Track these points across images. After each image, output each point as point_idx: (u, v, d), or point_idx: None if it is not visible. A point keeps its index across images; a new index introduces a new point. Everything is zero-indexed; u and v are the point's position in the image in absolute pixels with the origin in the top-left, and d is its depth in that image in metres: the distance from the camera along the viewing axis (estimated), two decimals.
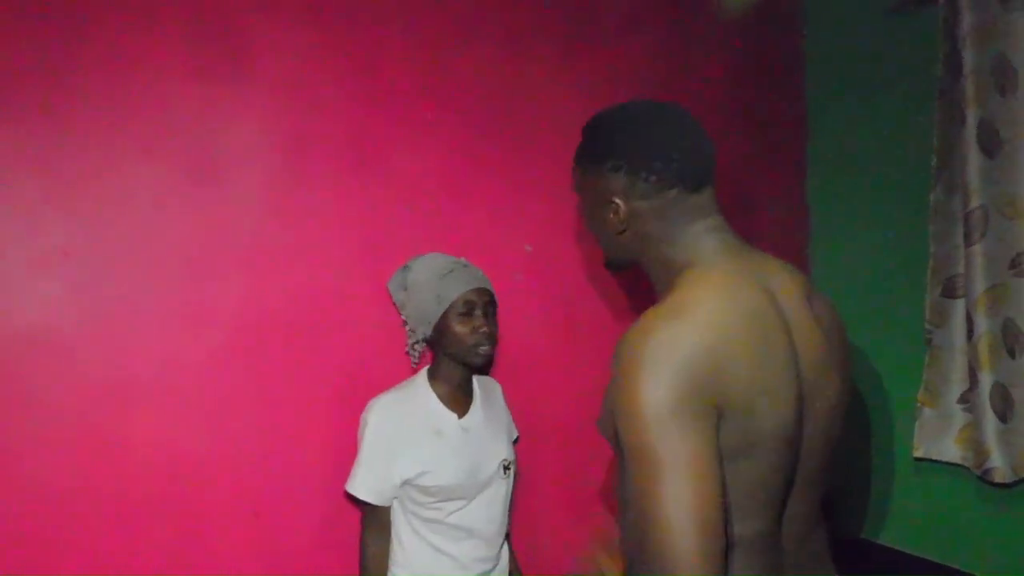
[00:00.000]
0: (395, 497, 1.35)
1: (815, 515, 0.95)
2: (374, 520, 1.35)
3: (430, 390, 1.41)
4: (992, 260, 1.67)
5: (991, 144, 1.66)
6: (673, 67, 1.91)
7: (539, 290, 1.68)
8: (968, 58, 1.67)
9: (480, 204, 1.61)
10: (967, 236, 1.69)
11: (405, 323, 1.43)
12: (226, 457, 1.31)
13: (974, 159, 1.66)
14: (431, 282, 1.36)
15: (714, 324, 0.81)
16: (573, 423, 1.72)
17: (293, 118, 1.38)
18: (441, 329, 1.36)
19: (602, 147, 1.01)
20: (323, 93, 1.42)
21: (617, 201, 0.98)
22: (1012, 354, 1.68)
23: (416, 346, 1.43)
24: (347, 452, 1.41)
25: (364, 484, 1.33)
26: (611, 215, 1.00)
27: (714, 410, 0.78)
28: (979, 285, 1.67)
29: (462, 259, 1.43)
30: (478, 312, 1.37)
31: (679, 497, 0.73)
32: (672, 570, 0.71)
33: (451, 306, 1.35)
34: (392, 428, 1.33)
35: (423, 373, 1.43)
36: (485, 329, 1.36)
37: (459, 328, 1.35)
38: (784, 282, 0.92)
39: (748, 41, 2.08)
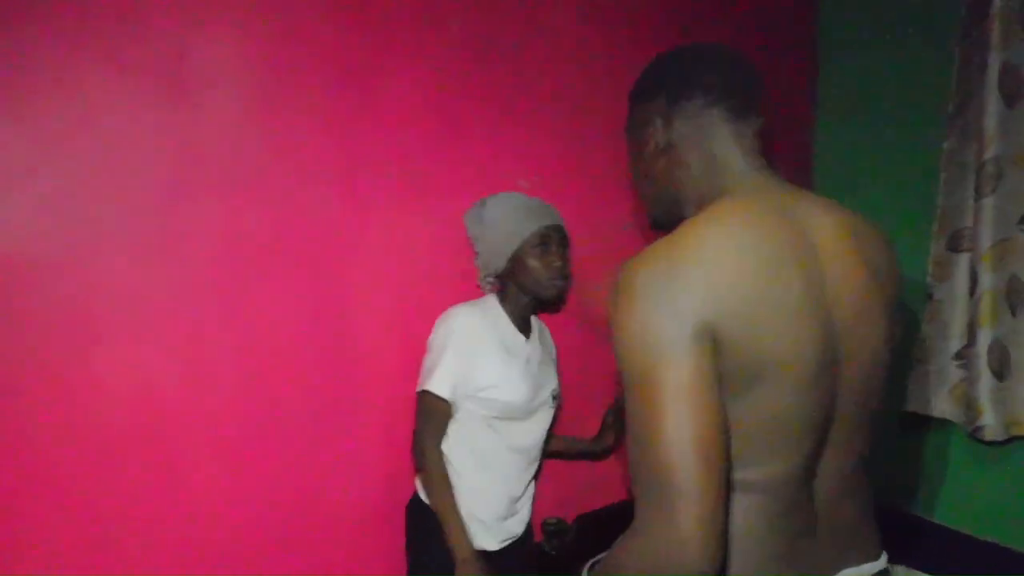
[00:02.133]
0: (460, 403, 1.40)
1: (854, 478, 0.91)
2: (437, 421, 1.39)
3: (502, 311, 1.46)
4: (1002, 214, 1.61)
5: (1013, 91, 1.58)
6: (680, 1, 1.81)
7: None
8: None
9: (475, 137, 1.53)
10: (978, 188, 1.63)
11: (478, 256, 1.46)
12: (202, 402, 1.26)
13: (993, 106, 1.58)
14: (507, 217, 1.39)
15: (716, 253, 0.78)
16: (573, 369, 1.69)
17: (276, 36, 1.28)
18: (516, 262, 1.40)
19: (648, 79, 1.02)
20: (309, 14, 1.31)
21: (657, 121, 0.98)
22: (1014, 311, 1.64)
23: (489, 279, 1.47)
24: (335, 395, 1.38)
25: (443, 381, 1.36)
26: (650, 141, 0.98)
27: (709, 340, 0.76)
28: (986, 239, 1.62)
29: (536, 198, 1.45)
30: (552, 247, 1.40)
31: (677, 423, 0.72)
32: (671, 497, 0.71)
33: (526, 240, 1.38)
34: (473, 335, 1.38)
35: (493, 296, 1.48)
36: (559, 263, 1.40)
37: (533, 262, 1.39)
38: (824, 221, 0.88)
39: None
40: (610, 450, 1.70)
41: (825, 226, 0.87)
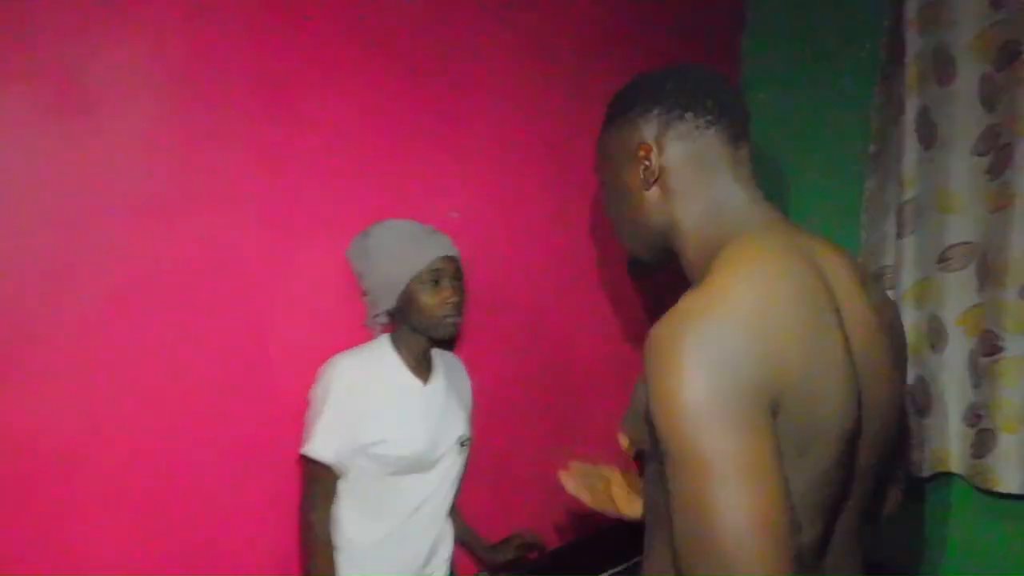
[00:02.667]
0: (347, 465, 1.26)
1: (858, 534, 0.85)
2: (323, 489, 1.25)
3: (395, 354, 1.33)
4: (922, 253, 1.64)
5: (929, 135, 1.62)
6: (610, 34, 1.78)
7: (463, 261, 1.53)
8: (911, 42, 1.61)
9: (402, 162, 1.43)
10: (899, 228, 1.66)
11: (365, 294, 1.32)
12: (99, 445, 1.10)
13: (911, 149, 1.62)
14: (395, 248, 1.27)
15: (764, 307, 0.70)
16: (504, 401, 1.60)
17: (191, 44, 1.15)
18: (406, 299, 1.28)
19: (632, 95, 0.90)
20: (232, 30, 1.19)
21: (648, 142, 0.86)
22: (933, 348, 1.66)
23: (378, 318, 1.33)
24: (252, 435, 1.26)
25: (324, 445, 1.22)
26: (639, 167, 0.87)
27: (768, 406, 0.67)
28: (908, 278, 1.64)
29: (428, 225, 1.32)
30: (446, 281, 1.29)
31: (738, 504, 0.62)
32: None
33: (417, 274, 1.26)
34: (357, 388, 1.25)
35: (385, 338, 1.34)
36: (454, 298, 1.29)
37: (427, 298, 1.27)
38: (835, 263, 0.81)
39: (684, 8, 1.96)
40: (498, 568, 1.54)
41: (838, 269, 0.81)
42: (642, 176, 0.87)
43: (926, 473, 1.68)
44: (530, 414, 1.68)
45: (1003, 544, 1.63)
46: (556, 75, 1.66)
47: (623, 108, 0.91)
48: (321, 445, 1.22)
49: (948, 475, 1.68)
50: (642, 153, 0.87)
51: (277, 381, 1.28)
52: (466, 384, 1.50)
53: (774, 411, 0.67)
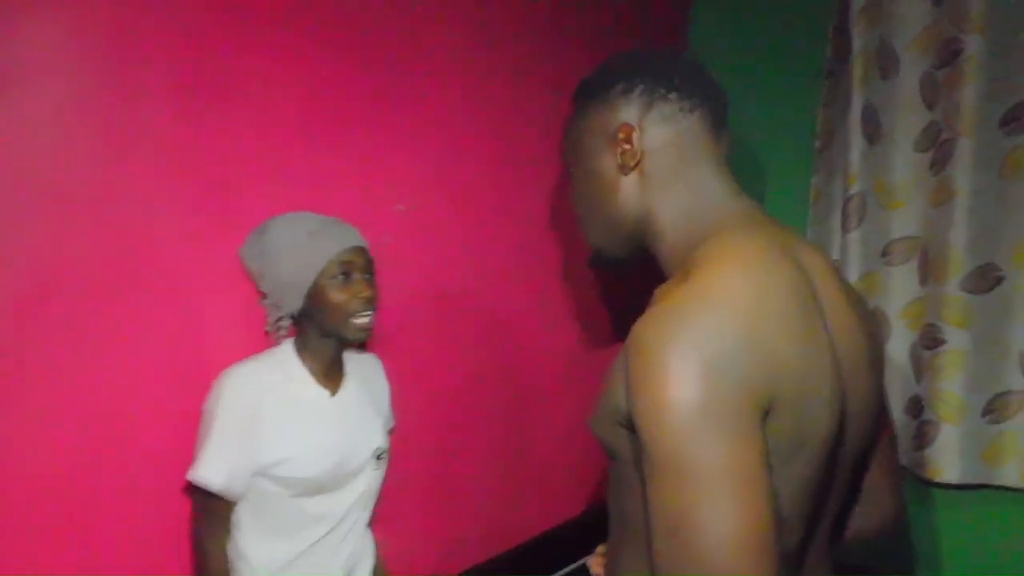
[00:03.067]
0: (244, 490, 1.13)
1: (830, 543, 0.83)
2: (217, 516, 1.12)
3: (298, 362, 1.19)
4: (867, 247, 1.66)
5: (874, 130, 1.64)
6: (560, 25, 1.74)
7: (411, 257, 1.46)
8: (856, 38, 1.62)
9: (343, 152, 1.35)
10: (844, 222, 1.67)
11: (264, 297, 1.18)
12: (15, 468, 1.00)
13: (856, 144, 1.63)
14: (297, 244, 1.13)
15: (758, 304, 0.66)
16: (447, 410, 1.54)
17: (113, 19, 1.05)
18: (314, 299, 1.14)
19: (611, 73, 0.83)
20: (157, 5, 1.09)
21: (630, 123, 0.80)
22: (883, 354, 1.68)
23: (281, 323, 1.18)
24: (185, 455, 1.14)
25: (215, 470, 1.08)
26: (617, 151, 0.80)
27: (761, 410, 0.63)
28: (853, 272, 1.66)
29: (331, 216, 1.20)
30: (357, 275, 1.16)
31: (724, 516, 0.59)
32: None
33: (324, 270, 1.13)
34: (251, 403, 1.11)
35: (289, 344, 1.21)
36: (367, 293, 1.16)
37: (336, 295, 1.14)
38: (815, 261, 0.78)
39: (634, 6, 1.94)
40: None
41: (820, 267, 0.77)
42: (620, 160, 0.81)
43: None
44: (479, 418, 1.63)
45: (944, 533, 1.66)
46: (503, 62, 1.61)
47: (601, 87, 0.84)
48: (209, 470, 1.08)
49: None
50: (622, 135, 0.81)
51: (199, 383, 1.19)
52: (384, 389, 1.38)
53: (765, 415, 0.64)
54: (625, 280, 1.93)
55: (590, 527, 1.66)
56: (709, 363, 0.62)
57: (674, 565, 0.61)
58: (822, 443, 0.69)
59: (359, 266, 1.16)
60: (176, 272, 1.14)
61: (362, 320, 1.15)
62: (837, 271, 0.82)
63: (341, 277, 1.14)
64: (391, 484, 1.40)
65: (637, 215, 0.83)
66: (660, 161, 0.80)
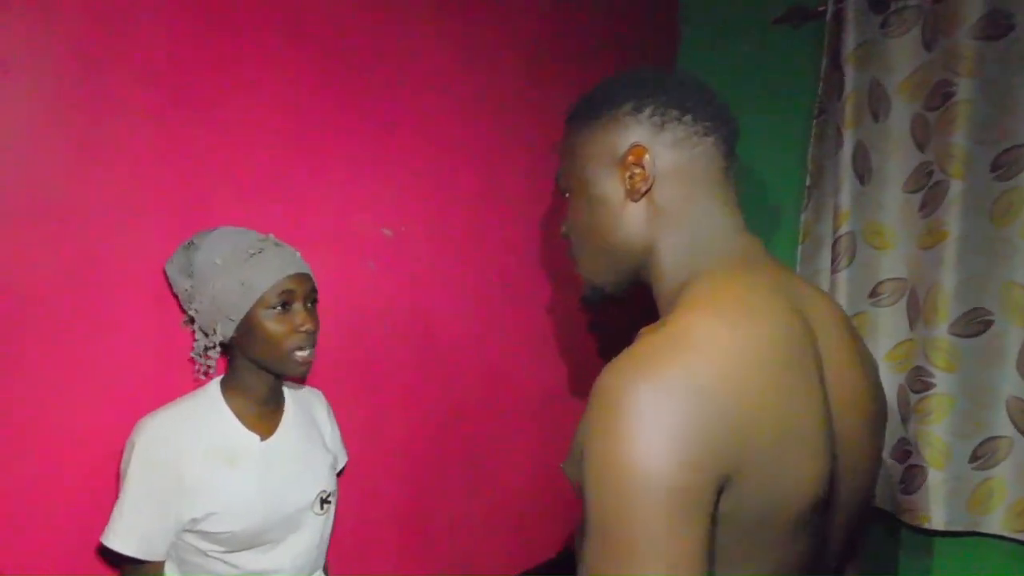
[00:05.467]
0: (168, 549, 1.02)
1: None
2: None
3: (224, 405, 1.08)
4: (856, 288, 1.65)
5: (865, 169, 1.63)
6: (548, 54, 1.73)
7: (396, 281, 1.42)
8: (849, 78, 1.62)
9: (330, 173, 1.30)
10: (834, 262, 1.66)
11: (191, 321, 1.08)
12: None
13: (848, 184, 1.62)
14: (233, 265, 1.02)
15: (729, 360, 0.59)
16: (416, 444, 1.49)
17: (94, 29, 1.00)
18: (248, 328, 1.04)
19: (619, 90, 0.76)
20: (134, 10, 1.05)
21: (640, 144, 0.73)
22: (885, 417, 1.66)
23: (211, 352, 1.07)
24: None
25: (128, 532, 0.98)
26: (625, 174, 0.73)
27: (715, 485, 0.57)
28: None
29: (269, 235, 1.10)
30: (297, 305, 1.06)
31: None
32: None
33: (262, 298, 1.02)
34: (169, 455, 1.00)
35: (215, 384, 1.10)
36: (308, 327, 1.05)
37: (273, 326, 1.03)
38: (822, 309, 0.72)
39: (619, 38, 1.94)
40: None
41: (824, 317, 0.71)
42: (629, 185, 0.74)
43: None
44: (453, 456, 1.58)
45: None
46: (490, 86, 1.59)
47: (608, 105, 0.77)
48: (120, 534, 0.98)
49: (876, 511, 1.67)
50: (632, 158, 0.74)
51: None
52: (329, 425, 1.26)
53: (723, 486, 0.58)
54: (610, 315, 1.90)
55: (566, 568, 1.61)
56: (667, 427, 0.56)
57: None
58: (806, 508, 0.63)
59: (301, 295, 1.06)
60: (130, 286, 1.09)
61: (302, 354, 1.06)
62: (847, 321, 0.77)
63: (280, 308, 1.04)
64: (358, 524, 1.34)
65: (641, 247, 0.76)
66: (669, 189, 0.74)
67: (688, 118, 0.73)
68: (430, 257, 1.49)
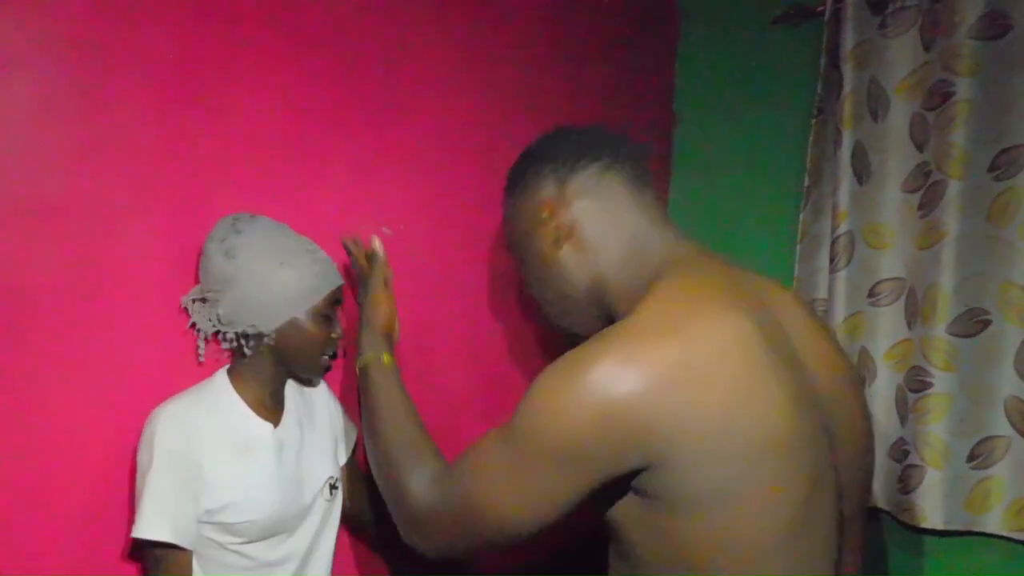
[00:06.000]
0: (195, 537, 1.02)
1: None
2: (176, 572, 1.00)
3: (235, 395, 1.07)
4: (854, 287, 1.65)
5: (863, 169, 1.63)
6: (549, 53, 1.73)
7: (396, 281, 1.41)
8: (847, 78, 1.63)
9: (329, 172, 1.29)
10: (832, 261, 1.66)
11: (212, 303, 1.04)
12: None
13: (846, 183, 1.63)
14: (283, 268, 1.03)
15: (669, 352, 0.68)
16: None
17: (92, 27, 0.99)
18: (288, 330, 1.05)
19: (523, 162, 0.92)
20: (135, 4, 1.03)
21: (549, 200, 0.85)
22: (864, 382, 1.67)
23: (238, 341, 1.05)
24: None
25: (160, 519, 0.96)
26: (548, 229, 0.85)
27: (622, 460, 0.69)
28: (840, 312, 1.64)
29: (304, 237, 1.10)
30: (335, 315, 1.11)
31: (502, 499, 0.75)
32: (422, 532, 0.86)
33: (314, 307, 1.06)
34: (187, 443, 0.99)
35: (222, 374, 1.09)
36: (338, 332, 1.11)
37: (316, 332, 1.07)
38: (774, 292, 0.80)
39: (619, 37, 1.94)
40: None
41: (788, 307, 0.78)
42: (552, 237, 0.85)
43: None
44: (451, 448, 1.58)
45: None
46: (492, 85, 1.59)
47: (518, 176, 0.92)
48: (153, 522, 0.97)
49: (874, 510, 1.68)
50: (546, 213, 0.86)
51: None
52: (332, 409, 1.25)
53: (645, 468, 0.69)
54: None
55: (562, 564, 1.61)
56: (582, 409, 0.68)
57: (446, 490, 0.83)
58: (806, 483, 0.69)
59: (339, 305, 1.12)
60: (135, 284, 1.08)
61: (327, 360, 1.11)
62: (799, 298, 0.85)
63: (324, 316, 1.07)
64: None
65: (587, 284, 0.86)
66: (590, 226, 0.84)
67: (584, 162, 0.84)
68: (429, 255, 1.49)
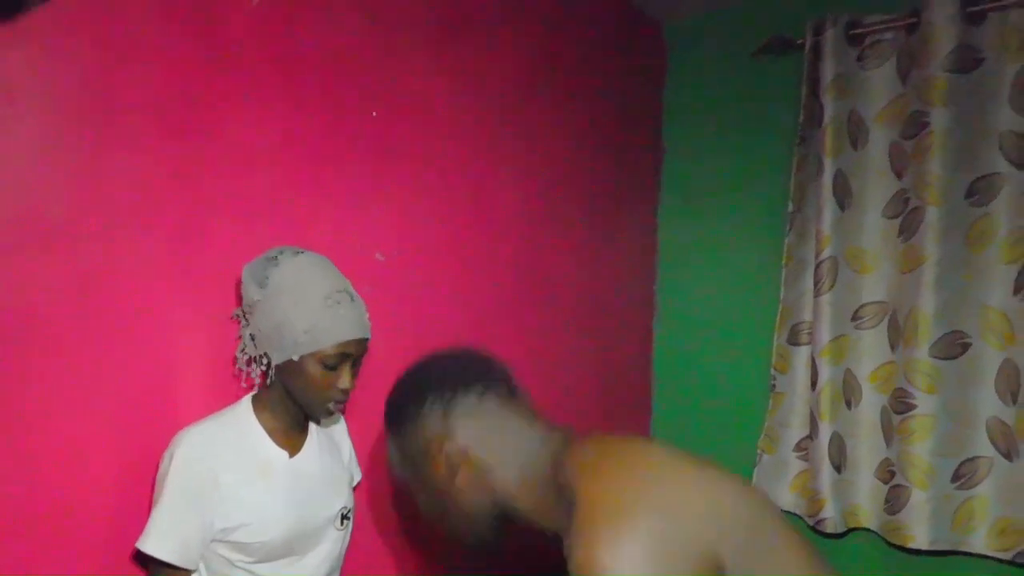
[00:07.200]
0: (199, 559, 1.05)
1: None
2: None
3: (256, 422, 1.11)
4: (838, 311, 1.68)
5: (844, 195, 1.68)
6: (536, 80, 1.77)
7: (389, 307, 1.44)
8: (828, 108, 1.68)
9: (325, 197, 1.32)
10: (816, 285, 1.70)
11: (246, 325, 1.09)
12: None
13: (829, 209, 1.67)
14: (309, 306, 1.04)
15: (652, 489, 0.76)
16: None
17: (98, 68, 1.02)
18: (295, 366, 1.06)
19: (402, 400, 0.95)
20: (143, 32, 1.06)
21: (436, 434, 0.90)
22: (848, 405, 1.70)
23: (254, 363, 1.09)
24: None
25: (167, 537, 0.99)
26: (440, 460, 0.89)
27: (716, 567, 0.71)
28: (824, 335, 1.68)
29: (347, 282, 1.10)
30: (347, 367, 1.08)
31: None
32: None
33: (320, 351, 1.04)
34: (206, 467, 1.03)
35: (247, 401, 1.13)
36: (347, 384, 1.08)
37: (318, 378, 1.06)
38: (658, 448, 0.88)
39: (608, 68, 1.99)
40: None
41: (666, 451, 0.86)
42: (446, 469, 0.90)
43: (841, 529, 1.69)
44: None
45: None
46: (483, 110, 1.62)
47: (401, 416, 0.94)
48: (159, 539, 0.99)
49: (862, 531, 1.70)
50: (435, 447, 0.90)
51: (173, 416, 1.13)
52: (347, 444, 1.30)
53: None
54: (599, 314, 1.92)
55: None
56: (651, 551, 0.69)
57: None
58: None
59: (353, 357, 1.08)
60: (144, 315, 1.10)
61: (332, 408, 1.10)
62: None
63: (332, 364, 1.06)
64: (366, 543, 1.35)
65: (488, 502, 0.90)
66: (481, 447, 0.89)
67: (460, 391, 0.90)
68: (423, 279, 1.51)
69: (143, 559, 1.03)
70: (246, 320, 1.10)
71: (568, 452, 0.85)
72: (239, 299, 1.13)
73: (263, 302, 1.06)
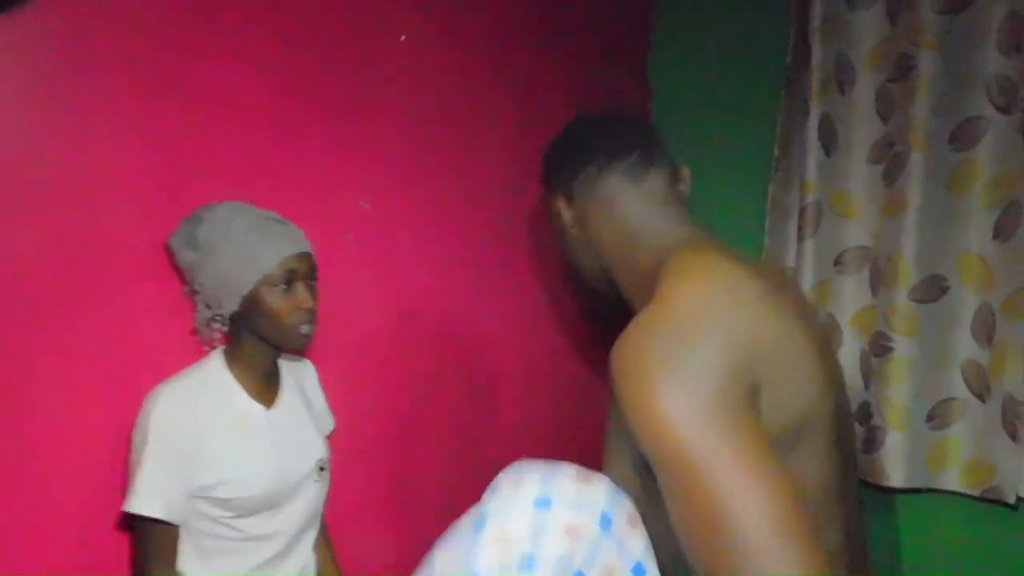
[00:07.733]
0: (185, 512, 1.06)
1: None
2: (161, 547, 1.03)
3: (231, 376, 1.12)
4: (821, 256, 1.70)
5: (829, 140, 1.67)
6: (525, 28, 1.75)
7: (373, 257, 1.45)
8: (816, 51, 1.66)
9: (308, 146, 1.32)
10: (800, 231, 1.70)
11: (195, 293, 1.10)
12: None
13: (814, 154, 1.67)
14: (238, 241, 1.05)
15: (723, 302, 0.73)
16: (404, 413, 1.53)
17: (73, 14, 1.01)
18: (251, 303, 1.07)
19: (544, 167, 1.08)
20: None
21: (560, 203, 1.01)
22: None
23: (213, 323, 1.10)
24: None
25: (152, 495, 1.00)
26: (558, 219, 1.02)
27: (748, 394, 0.68)
28: (808, 280, 1.69)
29: (273, 212, 1.11)
30: (300, 284, 1.09)
31: (751, 500, 0.61)
32: None
33: (266, 276, 1.05)
34: (181, 423, 1.03)
35: (218, 355, 1.13)
36: (309, 304, 1.09)
37: (277, 303, 1.06)
38: (770, 270, 0.89)
39: (596, 16, 1.96)
40: None
41: (775, 273, 0.88)
42: (566, 230, 1.02)
43: None
44: (437, 420, 1.63)
45: (892, 536, 1.71)
46: (472, 66, 1.61)
47: (543, 183, 1.09)
48: (146, 499, 1.00)
49: None
50: (554, 210, 1.04)
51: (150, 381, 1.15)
52: (319, 394, 1.31)
53: (755, 395, 0.69)
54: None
55: None
56: (686, 366, 0.67)
57: (718, 565, 0.62)
58: (822, 431, 0.74)
59: (303, 273, 1.09)
60: (124, 270, 1.11)
61: (303, 331, 1.10)
62: (789, 276, 0.93)
63: (283, 286, 1.07)
64: (347, 492, 1.39)
65: (599, 265, 1.00)
66: (593, 221, 0.98)
67: (584, 170, 0.98)
68: (407, 230, 1.52)
69: (130, 524, 1.05)
70: (193, 289, 1.10)
71: (678, 252, 0.85)
72: (179, 275, 1.12)
73: (200, 260, 1.06)
